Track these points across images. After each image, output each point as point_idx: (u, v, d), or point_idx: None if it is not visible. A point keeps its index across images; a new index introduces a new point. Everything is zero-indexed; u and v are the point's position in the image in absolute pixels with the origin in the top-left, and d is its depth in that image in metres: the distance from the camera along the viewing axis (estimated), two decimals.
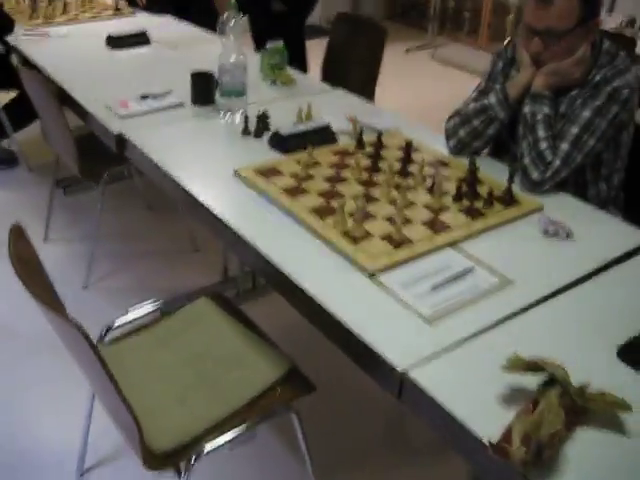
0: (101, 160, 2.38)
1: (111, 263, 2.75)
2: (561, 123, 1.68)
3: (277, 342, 1.57)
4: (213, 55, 2.09)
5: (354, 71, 3.09)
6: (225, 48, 1.98)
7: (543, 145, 1.65)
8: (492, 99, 1.77)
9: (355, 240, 1.40)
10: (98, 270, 2.67)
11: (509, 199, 1.59)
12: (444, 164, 1.78)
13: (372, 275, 1.32)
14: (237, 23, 1.92)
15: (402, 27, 6.75)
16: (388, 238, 1.42)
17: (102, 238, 2.79)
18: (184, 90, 2.14)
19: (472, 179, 1.60)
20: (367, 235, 1.42)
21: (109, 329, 1.64)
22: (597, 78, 1.67)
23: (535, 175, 1.64)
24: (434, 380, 1.07)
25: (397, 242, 1.41)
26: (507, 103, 1.75)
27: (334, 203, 1.53)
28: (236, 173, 1.69)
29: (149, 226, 3.04)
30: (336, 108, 2.16)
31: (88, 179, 2.46)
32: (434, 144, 1.91)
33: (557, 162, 1.64)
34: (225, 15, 1.96)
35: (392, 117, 2.11)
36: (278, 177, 1.66)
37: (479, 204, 1.58)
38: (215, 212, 1.53)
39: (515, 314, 1.24)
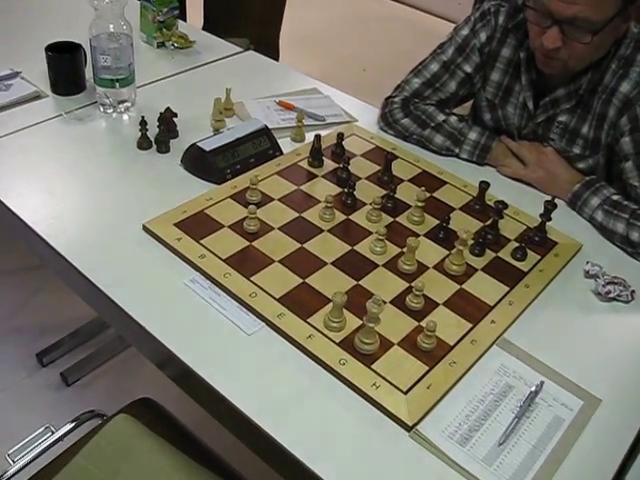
0: None
1: None
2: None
3: None
4: None
5: (250, 7, 2.44)
6: (99, 13, 1.31)
7: (631, 206, 1.19)
8: (472, 136, 1.35)
9: (364, 360, 0.91)
10: None
11: (544, 241, 1.15)
12: (439, 182, 1.29)
13: (411, 428, 0.84)
14: None
15: None
16: (412, 347, 0.94)
17: None
18: (38, 69, 1.46)
19: (495, 220, 1.13)
20: (382, 346, 0.93)
21: None
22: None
23: (636, 236, 1.16)
24: None
25: (429, 354, 0.93)
26: (475, 160, 1.37)
27: (314, 282, 1.02)
28: (145, 229, 1.11)
29: None
30: (253, 84, 1.58)
31: None
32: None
33: None
34: None
35: (330, 94, 1.57)
36: (214, 235, 1.09)
37: (506, 254, 1.13)
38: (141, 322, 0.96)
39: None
